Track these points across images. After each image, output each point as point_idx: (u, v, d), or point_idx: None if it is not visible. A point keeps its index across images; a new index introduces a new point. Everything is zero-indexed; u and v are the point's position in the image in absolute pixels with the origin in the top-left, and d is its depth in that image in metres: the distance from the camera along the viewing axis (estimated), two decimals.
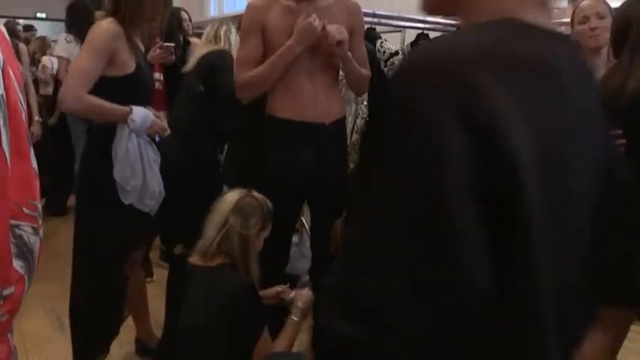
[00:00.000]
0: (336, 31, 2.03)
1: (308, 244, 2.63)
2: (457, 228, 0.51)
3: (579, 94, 0.63)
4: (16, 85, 0.95)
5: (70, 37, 4.10)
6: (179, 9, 3.67)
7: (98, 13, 3.69)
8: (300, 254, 3.14)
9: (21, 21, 6.58)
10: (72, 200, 4.48)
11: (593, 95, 0.67)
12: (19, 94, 0.97)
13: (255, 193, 1.85)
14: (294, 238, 3.08)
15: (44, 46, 5.49)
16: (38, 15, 11.20)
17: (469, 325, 0.53)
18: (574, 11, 2.24)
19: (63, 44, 4.13)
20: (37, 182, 0.99)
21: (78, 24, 3.94)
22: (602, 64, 2.16)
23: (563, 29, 2.95)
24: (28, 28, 6.74)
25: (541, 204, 0.54)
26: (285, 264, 2.37)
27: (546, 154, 0.56)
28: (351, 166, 2.94)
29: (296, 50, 2.03)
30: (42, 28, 7.86)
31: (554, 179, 0.57)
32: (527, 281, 0.55)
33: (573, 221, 0.62)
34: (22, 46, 4.41)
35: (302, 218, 3.36)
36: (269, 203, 1.85)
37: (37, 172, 1.00)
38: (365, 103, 3.03)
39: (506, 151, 0.51)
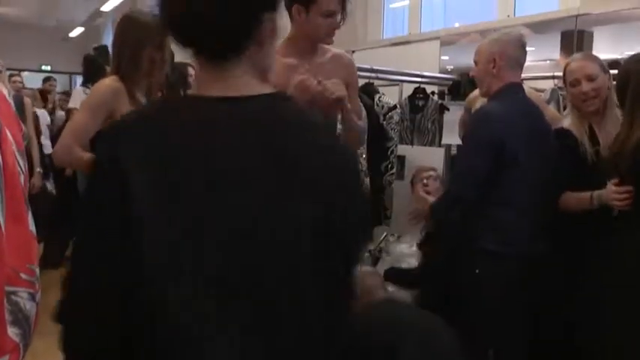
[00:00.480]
0: (334, 87, 2.06)
1: None
2: (90, 242, 0.80)
3: (234, 146, 0.83)
4: (14, 147, 0.96)
5: (88, 90, 4.18)
6: (186, 64, 3.72)
7: (109, 69, 3.77)
8: None
9: (26, 73, 6.72)
10: (69, 251, 4.44)
11: (255, 146, 0.84)
12: (18, 156, 0.98)
13: None
14: None
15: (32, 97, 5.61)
16: (43, 67, 11.44)
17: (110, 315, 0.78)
18: (565, 69, 2.20)
19: (81, 96, 4.20)
20: (35, 245, 0.98)
21: (92, 77, 4.02)
22: (599, 121, 2.10)
23: (557, 82, 3.00)
24: (47, 79, 6.91)
25: (159, 221, 0.78)
26: None
27: (172, 187, 0.80)
28: None
29: None
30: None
31: (175, 203, 0.80)
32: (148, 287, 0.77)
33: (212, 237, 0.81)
34: (26, 99, 4.49)
35: None
36: None
37: (35, 234, 1.00)
38: (364, 156, 3.05)
39: (127, 183, 0.78)
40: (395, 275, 2.66)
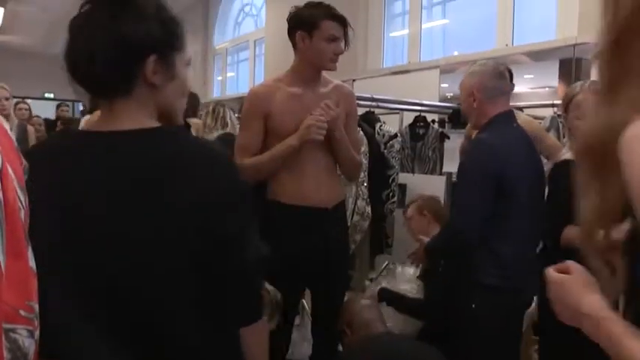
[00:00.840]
0: (325, 112, 2.06)
1: (309, 327, 2.57)
2: None
3: (101, 172, 0.96)
4: (15, 183, 0.96)
5: None
6: (195, 95, 3.70)
7: None
8: (302, 338, 3.06)
9: (30, 101, 6.77)
10: None
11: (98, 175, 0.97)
12: (19, 191, 0.98)
13: (267, 285, 1.84)
14: (296, 320, 3.01)
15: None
16: (46, 95, 11.52)
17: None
18: (570, 99, 2.11)
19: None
20: (35, 281, 0.97)
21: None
22: None
23: (556, 110, 3.02)
24: (60, 105, 6.95)
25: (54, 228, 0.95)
26: (286, 350, 2.31)
27: (63, 198, 0.96)
28: (352, 246, 2.93)
29: (297, 147, 2.07)
30: (49, 108, 8.05)
31: (63, 213, 0.96)
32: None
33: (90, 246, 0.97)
34: (29, 127, 4.54)
35: (302, 300, 3.30)
36: (278, 295, 1.84)
37: (35, 270, 0.99)
38: (365, 184, 3.05)
39: (32, 196, 0.88)
40: (389, 297, 2.62)
